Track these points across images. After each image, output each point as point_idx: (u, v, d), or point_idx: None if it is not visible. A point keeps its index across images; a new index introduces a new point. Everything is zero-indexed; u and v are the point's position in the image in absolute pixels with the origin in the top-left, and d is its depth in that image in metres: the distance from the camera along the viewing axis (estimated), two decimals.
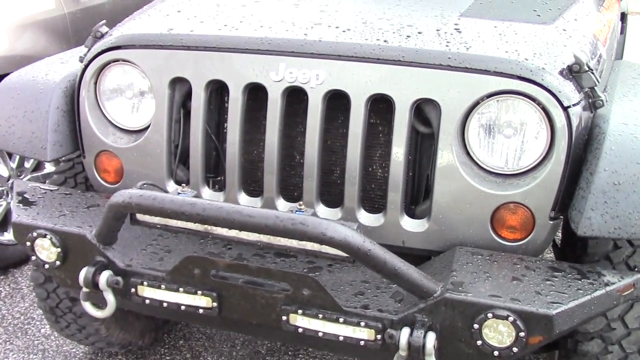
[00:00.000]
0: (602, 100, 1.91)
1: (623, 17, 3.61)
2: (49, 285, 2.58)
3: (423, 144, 2.05)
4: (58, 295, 2.59)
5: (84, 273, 1.93)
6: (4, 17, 3.49)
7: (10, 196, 3.52)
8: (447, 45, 1.95)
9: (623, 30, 3.71)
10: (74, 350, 3.05)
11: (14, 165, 3.57)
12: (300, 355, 3.01)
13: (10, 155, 3.55)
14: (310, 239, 1.58)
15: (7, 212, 3.53)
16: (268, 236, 1.71)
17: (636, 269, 1.94)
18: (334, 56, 1.97)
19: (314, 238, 1.58)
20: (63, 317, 2.66)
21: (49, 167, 3.63)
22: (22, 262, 3.66)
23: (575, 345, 2.04)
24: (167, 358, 3.01)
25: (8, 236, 3.58)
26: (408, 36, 2.01)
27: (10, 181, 3.54)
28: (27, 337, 3.14)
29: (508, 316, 1.63)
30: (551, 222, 1.88)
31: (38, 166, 3.71)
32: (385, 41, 1.99)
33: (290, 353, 3.03)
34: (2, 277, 3.62)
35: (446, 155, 1.91)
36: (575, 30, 2.19)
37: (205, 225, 1.75)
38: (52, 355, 3.01)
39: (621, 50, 3.76)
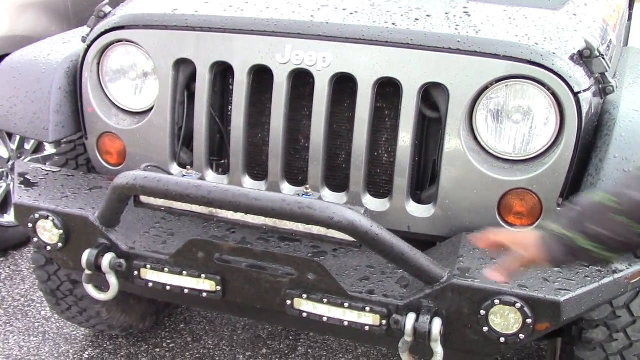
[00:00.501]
0: (612, 87, 1.89)
1: (631, 3, 3.58)
2: (50, 268, 2.56)
3: (430, 129, 2.03)
4: (59, 278, 2.58)
5: (86, 255, 1.92)
6: None
7: (10, 178, 3.50)
8: (456, 29, 1.92)
9: (630, 17, 3.67)
10: (74, 332, 3.04)
11: (14, 146, 3.54)
12: (301, 340, 3.01)
13: (10, 136, 3.52)
14: (317, 223, 1.56)
15: (7, 194, 3.51)
16: (273, 220, 1.69)
17: None
18: (341, 39, 1.94)
19: (321, 222, 1.56)
20: (64, 300, 2.65)
21: (50, 149, 3.61)
22: (22, 244, 3.63)
23: (579, 332, 2.03)
24: (168, 341, 3.01)
25: (8, 218, 3.56)
26: (417, 19, 1.98)
27: (10, 162, 3.51)
28: (28, 319, 3.13)
29: (515, 303, 1.61)
30: (559, 208, 1.86)
31: (38, 148, 3.68)
32: (393, 24, 1.96)
33: (291, 338, 3.02)
34: (2, 259, 3.60)
35: (454, 140, 1.89)
36: (586, 15, 2.16)
37: (210, 208, 1.73)
38: (52, 338, 3.00)
39: (627, 37, 3.73)
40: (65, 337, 3.01)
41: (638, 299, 1.97)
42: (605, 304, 1.97)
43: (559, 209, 1.84)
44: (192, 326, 3.11)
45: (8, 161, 3.53)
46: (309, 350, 2.95)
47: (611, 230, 1.13)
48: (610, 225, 1.13)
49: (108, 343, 2.98)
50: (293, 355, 2.91)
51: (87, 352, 2.93)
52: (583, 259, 1.22)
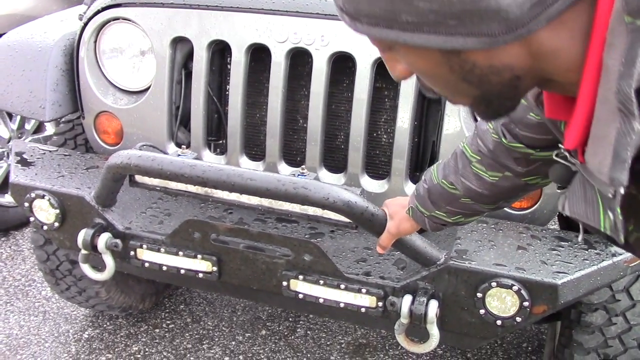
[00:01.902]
0: None
1: None
2: (49, 248, 2.56)
3: (430, 110, 2.01)
4: (58, 258, 2.58)
5: (82, 235, 1.91)
6: None
7: (10, 158, 3.49)
8: None
9: None
10: (74, 312, 3.04)
11: (14, 126, 3.53)
12: (300, 322, 3.00)
13: (10, 116, 3.51)
14: (312, 203, 1.54)
15: (8, 174, 3.50)
16: (269, 200, 1.67)
17: None
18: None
19: (317, 203, 1.54)
20: (63, 280, 2.65)
21: (50, 130, 3.59)
22: (23, 224, 3.64)
23: (578, 316, 2.02)
24: (168, 322, 3.01)
25: (9, 198, 3.55)
26: None
27: (10, 143, 3.50)
28: (28, 299, 3.14)
29: (512, 285, 1.60)
30: (559, 191, 1.83)
31: (39, 128, 3.67)
32: None
33: (290, 319, 3.02)
34: (3, 239, 3.61)
35: (453, 121, 1.87)
36: None
37: (206, 188, 1.72)
38: (52, 317, 3.01)
39: None
40: (65, 317, 3.02)
41: (638, 283, 1.95)
42: (605, 288, 1.97)
43: (558, 191, 1.81)
44: (192, 307, 3.11)
45: (9, 141, 3.52)
46: (308, 332, 2.95)
47: (460, 207, 1.38)
48: (459, 205, 1.37)
49: (108, 323, 2.99)
50: (292, 337, 2.91)
51: (87, 332, 2.93)
52: (443, 223, 1.45)
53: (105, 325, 2.98)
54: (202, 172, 1.59)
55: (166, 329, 2.96)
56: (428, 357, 2.79)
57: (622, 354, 1.97)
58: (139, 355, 2.80)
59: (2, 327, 2.94)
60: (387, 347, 2.86)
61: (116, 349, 2.83)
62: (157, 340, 2.89)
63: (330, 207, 1.54)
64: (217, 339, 2.89)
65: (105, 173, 1.77)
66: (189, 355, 2.80)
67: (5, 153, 3.54)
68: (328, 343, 2.88)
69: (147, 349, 2.83)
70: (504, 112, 0.78)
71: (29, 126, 3.60)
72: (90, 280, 2.60)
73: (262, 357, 2.79)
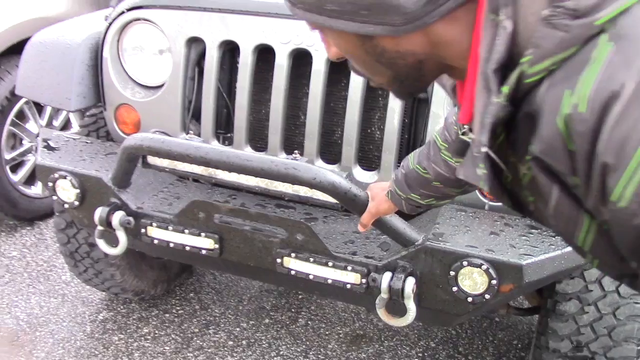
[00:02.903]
0: None
1: None
2: (70, 231, 2.76)
3: (420, 109, 2.18)
4: (77, 241, 2.78)
5: (99, 212, 2.10)
6: None
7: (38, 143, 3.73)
8: None
9: None
10: (91, 296, 3.25)
11: (43, 122, 3.77)
12: (302, 313, 3.17)
13: (40, 113, 3.76)
14: (301, 182, 1.72)
15: (35, 168, 3.74)
16: (265, 181, 1.86)
17: None
18: None
19: (305, 182, 1.72)
20: (81, 262, 2.85)
21: (76, 127, 3.83)
22: (48, 215, 3.87)
23: (554, 305, 2.16)
24: (177, 308, 3.20)
25: (35, 190, 3.79)
26: None
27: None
28: (49, 282, 3.35)
29: (482, 264, 1.75)
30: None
31: (66, 125, 3.91)
32: None
33: (293, 310, 3.19)
34: (28, 228, 3.84)
35: (438, 118, 2.03)
36: None
37: (209, 170, 1.91)
38: (70, 300, 3.22)
39: None
40: (83, 300, 3.22)
41: None
42: (578, 279, 2.11)
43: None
44: (200, 295, 3.30)
45: (37, 136, 3.76)
46: (309, 322, 3.11)
47: (434, 191, 1.47)
48: (432, 189, 1.47)
49: (121, 307, 3.19)
50: (293, 326, 3.08)
51: (101, 314, 3.13)
52: (417, 205, 1.55)
53: (119, 309, 3.17)
54: (205, 153, 1.78)
55: (175, 314, 3.15)
56: (421, 350, 2.94)
57: (594, 341, 2.10)
58: (148, 337, 2.98)
59: (24, 306, 3.15)
60: (382, 339, 3.01)
61: (128, 330, 3.02)
62: (166, 324, 3.07)
63: (317, 187, 1.71)
64: (222, 325, 3.07)
65: (121, 154, 1.97)
66: (195, 338, 2.98)
67: (34, 147, 3.78)
68: (327, 333, 3.04)
69: (156, 332, 3.02)
70: (415, 91, 0.96)
71: (56, 123, 3.85)
72: (106, 263, 2.80)
73: (264, 343, 2.96)
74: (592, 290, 2.10)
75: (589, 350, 2.08)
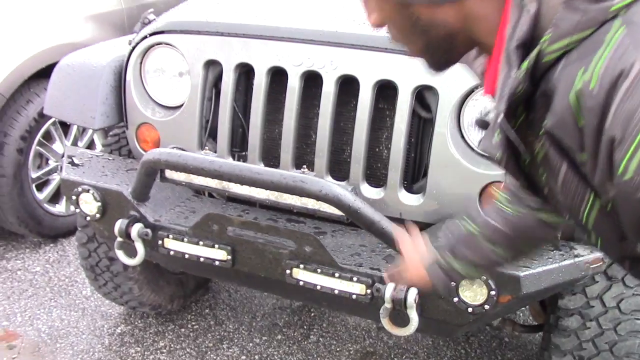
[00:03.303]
0: None
1: None
2: (91, 245, 2.88)
3: (425, 128, 2.27)
4: (98, 255, 2.89)
5: (118, 224, 2.22)
6: (80, 11, 3.91)
7: (63, 160, 3.88)
8: None
9: None
10: (110, 310, 3.35)
11: (68, 143, 3.93)
12: (314, 330, 3.24)
13: (65, 134, 3.91)
14: (308, 195, 1.82)
15: (60, 187, 3.89)
16: (275, 194, 1.96)
17: None
18: (348, 45, 2.21)
19: (312, 194, 1.81)
20: (101, 275, 2.96)
21: (99, 147, 3.97)
22: (70, 232, 3.99)
23: (556, 320, 2.21)
24: (193, 323, 3.29)
25: (59, 208, 3.93)
26: None
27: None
28: (70, 297, 3.47)
29: (481, 276, 1.83)
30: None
31: (90, 145, 4.06)
32: None
33: (305, 327, 3.26)
34: (52, 244, 3.97)
35: (442, 137, 2.13)
36: None
37: (223, 183, 2.01)
38: (90, 314, 3.32)
39: None
40: (102, 314, 3.33)
41: (610, 291, 2.14)
42: (580, 295, 2.17)
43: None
44: (215, 311, 3.39)
45: (62, 156, 3.91)
46: (320, 339, 3.18)
47: (479, 255, 1.36)
48: (478, 251, 1.36)
49: (139, 321, 3.29)
50: (305, 342, 3.15)
51: (119, 328, 3.23)
52: (455, 278, 1.46)
53: (136, 323, 3.27)
54: (219, 167, 1.89)
55: (191, 329, 3.24)
56: (425, 354, 2.99)
57: (595, 356, 2.15)
58: (164, 350, 3.07)
59: (46, 319, 3.27)
60: (392, 356, 3.06)
61: (144, 344, 3.12)
62: (182, 338, 3.16)
63: (324, 199, 1.81)
64: (236, 340, 3.15)
65: (140, 168, 2.09)
66: (209, 352, 3.07)
67: (59, 167, 3.93)
68: (338, 349, 3.10)
69: (172, 345, 3.11)
70: (446, 63, 1.05)
71: (81, 143, 4.00)
72: (124, 277, 2.91)
73: (276, 358, 3.03)
74: (593, 306, 2.15)
75: None
